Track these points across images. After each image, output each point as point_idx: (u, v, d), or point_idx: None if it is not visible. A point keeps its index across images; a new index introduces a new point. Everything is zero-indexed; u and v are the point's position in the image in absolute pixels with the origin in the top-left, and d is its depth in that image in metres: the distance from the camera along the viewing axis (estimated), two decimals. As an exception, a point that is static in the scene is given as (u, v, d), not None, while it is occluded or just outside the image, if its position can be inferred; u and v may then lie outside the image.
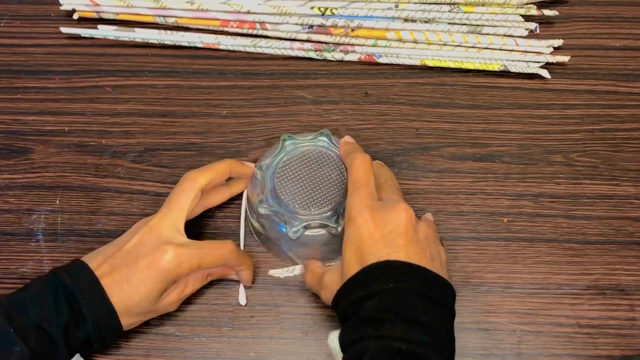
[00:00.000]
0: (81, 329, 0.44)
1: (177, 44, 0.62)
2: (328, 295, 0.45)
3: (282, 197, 0.48)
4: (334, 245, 0.50)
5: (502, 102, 0.59)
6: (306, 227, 0.48)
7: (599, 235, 0.53)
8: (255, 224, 0.52)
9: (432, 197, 0.55)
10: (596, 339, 0.49)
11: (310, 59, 0.62)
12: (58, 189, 0.57)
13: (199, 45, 0.62)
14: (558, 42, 0.61)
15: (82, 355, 0.45)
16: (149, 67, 0.62)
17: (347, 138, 0.51)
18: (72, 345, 0.44)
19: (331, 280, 0.45)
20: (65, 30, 0.63)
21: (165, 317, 0.50)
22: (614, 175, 0.56)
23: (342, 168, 0.50)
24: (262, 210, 0.48)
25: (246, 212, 0.53)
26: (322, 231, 0.49)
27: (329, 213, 0.48)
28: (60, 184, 0.57)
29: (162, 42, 0.63)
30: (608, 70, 0.61)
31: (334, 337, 0.42)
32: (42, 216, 0.55)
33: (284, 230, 0.48)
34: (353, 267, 0.42)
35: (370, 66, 0.61)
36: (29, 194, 0.56)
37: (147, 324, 0.50)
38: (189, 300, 0.51)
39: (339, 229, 0.48)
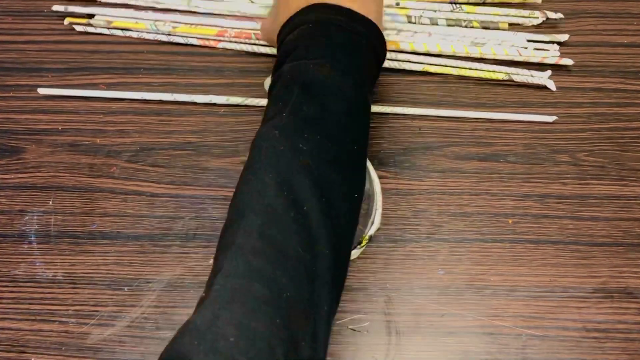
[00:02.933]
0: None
1: (174, 41, 0.62)
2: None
3: None
4: None
5: (507, 101, 0.59)
6: None
7: (606, 237, 0.53)
8: None
9: (435, 197, 0.55)
10: (604, 344, 0.49)
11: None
12: (51, 190, 0.57)
13: (195, 43, 0.62)
14: (564, 37, 0.60)
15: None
16: (145, 64, 0.62)
17: None
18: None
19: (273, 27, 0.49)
20: (61, 14, 0.63)
21: (160, 321, 0.50)
22: (622, 176, 0.56)
23: None
24: None
25: None
26: None
27: None
28: (53, 185, 0.57)
29: (158, 40, 0.63)
30: (616, 68, 0.60)
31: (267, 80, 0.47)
32: (35, 217, 0.55)
33: None
34: (291, 9, 0.47)
35: (371, 63, 0.61)
36: (21, 195, 0.56)
37: (142, 328, 0.50)
38: (186, 304, 0.51)
39: None
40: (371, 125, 0.58)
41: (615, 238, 0.53)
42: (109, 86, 0.61)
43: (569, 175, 0.56)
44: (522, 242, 0.53)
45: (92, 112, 0.60)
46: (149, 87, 0.61)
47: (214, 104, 0.60)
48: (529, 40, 0.60)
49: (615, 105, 0.59)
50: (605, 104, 0.59)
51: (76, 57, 0.63)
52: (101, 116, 0.60)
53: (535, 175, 0.56)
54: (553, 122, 0.58)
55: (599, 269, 0.52)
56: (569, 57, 0.59)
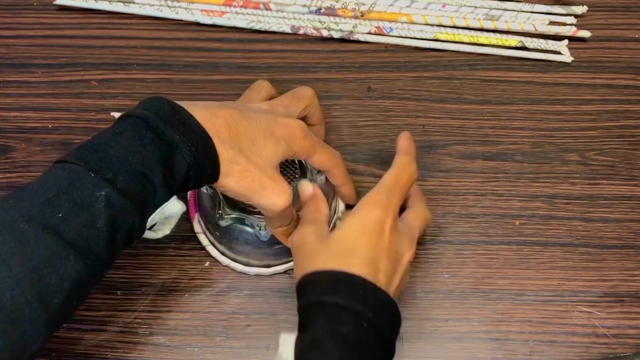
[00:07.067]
0: (177, 157, 0.40)
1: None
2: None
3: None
4: None
5: (513, 97, 0.59)
6: None
7: (616, 239, 0.53)
8: (218, 245, 0.52)
9: (439, 198, 0.55)
10: (614, 349, 0.49)
11: (309, 51, 0.62)
12: (41, 190, 0.56)
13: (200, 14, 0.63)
14: (581, 9, 0.61)
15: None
16: (138, 59, 0.62)
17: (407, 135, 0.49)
18: (169, 183, 0.40)
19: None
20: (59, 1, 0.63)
21: (154, 326, 0.50)
22: (633, 175, 0.56)
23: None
24: (223, 223, 0.48)
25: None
26: None
27: (298, 207, 0.48)
28: (43, 185, 0.57)
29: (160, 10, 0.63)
30: (627, 63, 0.60)
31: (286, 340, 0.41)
32: (24, 219, 0.55)
33: (251, 233, 0.48)
34: (343, 258, 0.42)
35: (373, 58, 0.61)
36: (10, 195, 0.56)
37: (136, 333, 0.50)
38: (180, 308, 0.51)
39: None
40: (373, 123, 0.58)
41: (626, 240, 0.53)
42: (101, 82, 0.61)
43: (578, 175, 0.56)
44: (530, 244, 0.53)
45: (83, 110, 0.60)
46: (143, 83, 0.61)
47: (210, 101, 0.60)
48: (544, 13, 0.61)
49: (626, 102, 0.59)
50: (615, 101, 0.59)
51: (67, 53, 0.62)
52: (93, 114, 0.60)
53: (543, 175, 0.56)
54: (570, 63, 0.59)
55: (609, 272, 0.52)
56: (580, 50, 0.59)
